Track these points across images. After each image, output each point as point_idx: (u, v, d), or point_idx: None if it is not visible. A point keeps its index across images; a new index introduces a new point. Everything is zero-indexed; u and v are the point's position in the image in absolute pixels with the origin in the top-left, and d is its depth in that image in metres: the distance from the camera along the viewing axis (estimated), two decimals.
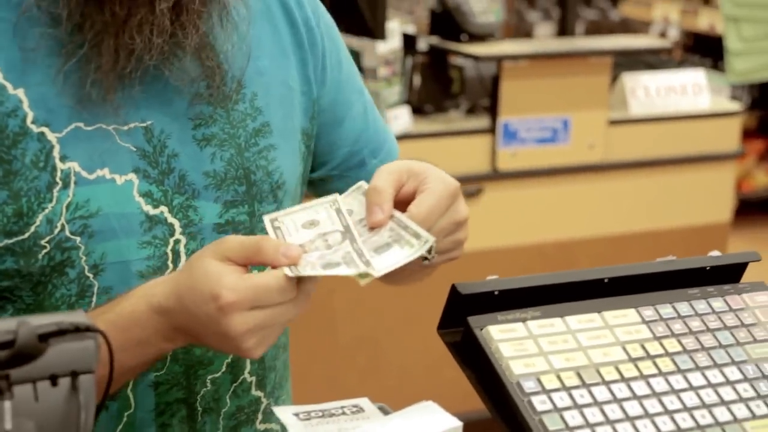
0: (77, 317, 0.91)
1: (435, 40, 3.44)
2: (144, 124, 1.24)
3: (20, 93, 1.19)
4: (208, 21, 1.25)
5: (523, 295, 1.17)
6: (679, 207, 3.70)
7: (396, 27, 3.26)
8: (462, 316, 1.14)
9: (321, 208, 1.17)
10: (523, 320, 1.14)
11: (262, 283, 1.08)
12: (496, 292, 1.15)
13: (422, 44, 3.42)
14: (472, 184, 3.36)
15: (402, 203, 1.16)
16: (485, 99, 3.47)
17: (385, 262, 1.09)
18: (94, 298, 1.22)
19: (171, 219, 1.25)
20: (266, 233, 1.14)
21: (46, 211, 1.19)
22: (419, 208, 1.14)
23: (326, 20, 1.41)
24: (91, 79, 1.19)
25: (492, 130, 3.40)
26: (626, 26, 6.57)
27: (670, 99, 3.68)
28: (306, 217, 1.16)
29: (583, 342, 1.14)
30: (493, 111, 3.39)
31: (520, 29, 6.97)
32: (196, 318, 1.10)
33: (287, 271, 1.08)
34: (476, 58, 3.32)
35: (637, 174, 3.61)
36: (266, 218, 1.16)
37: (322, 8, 1.41)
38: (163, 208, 1.25)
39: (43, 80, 1.19)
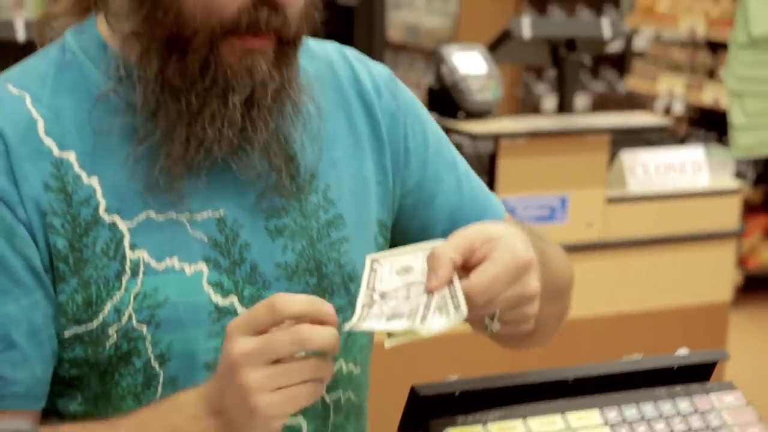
0: (20, 425, 0.90)
1: (433, 117, 3.45)
2: (218, 214, 1.25)
3: (94, 181, 1.21)
4: (279, 118, 1.25)
5: (486, 395, 1.16)
6: (680, 286, 3.68)
7: None
8: (423, 418, 1.13)
9: (420, 253, 1.16)
10: (484, 422, 1.13)
11: (274, 334, 1.09)
12: (456, 393, 1.14)
13: None
14: None
15: (472, 269, 1.14)
16: (483, 176, 3.47)
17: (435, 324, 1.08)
18: (160, 389, 1.22)
19: (240, 309, 1.24)
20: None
21: (114, 300, 1.20)
22: (480, 277, 1.12)
23: (407, 100, 1.39)
24: (160, 166, 1.20)
25: None
26: (632, 100, 6.60)
27: (669, 177, 3.68)
28: (404, 262, 1.16)
29: None
30: (490, 188, 3.38)
31: (528, 102, 7.01)
32: (220, 388, 1.11)
33: (347, 324, 1.08)
34: (473, 136, 3.33)
35: (636, 253, 3.60)
36: (368, 258, 1.17)
37: (402, 89, 1.40)
38: (233, 299, 1.24)
39: (116, 167, 1.21)
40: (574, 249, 3.50)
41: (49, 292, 1.20)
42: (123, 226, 1.21)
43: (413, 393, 1.12)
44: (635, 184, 3.63)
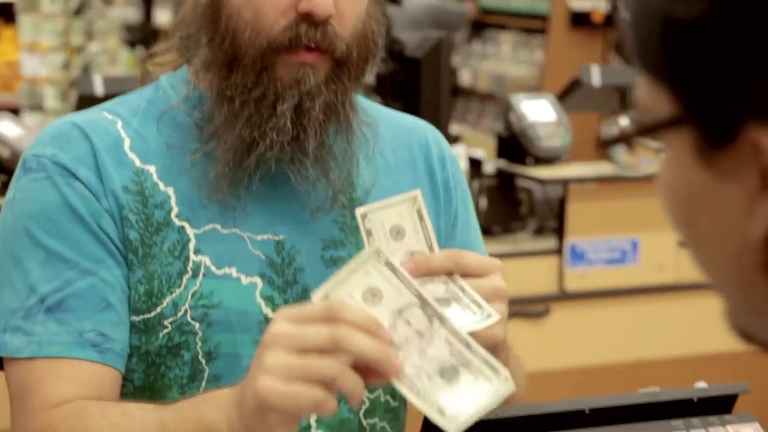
0: None
1: (502, 163, 3.51)
2: (277, 238, 1.35)
3: (170, 191, 1.34)
4: (336, 136, 1.35)
5: (503, 426, 1.20)
6: None
7: (462, 151, 3.34)
8: None
9: (404, 209, 1.21)
10: None
11: (314, 325, 1.04)
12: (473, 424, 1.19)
13: (489, 167, 3.49)
14: (539, 305, 3.38)
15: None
16: (553, 220, 3.51)
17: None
18: (204, 384, 1.32)
19: None
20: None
21: (174, 295, 1.32)
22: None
23: (463, 186, 1.49)
24: (215, 172, 1.32)
25: (559, 251, 3.43)
26: None
27: None
28: (393, 220, 1.21)
29: None
30: (560, 232, 3.43)
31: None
32: (248, 375, 1.09)
33: (396, 383, 1.04)
34: (542, 181, 3.37)
35: (709, 295, 3.57)
36: (358, 212, 1.20)
37: (461, 175, 1.50)
38: None
39: (189, 183, 1.34)
40: (646, 291, 3.51)
41: (126, 272, 1.32)
42: (190, 231, 1.33)
43: (427, 425, 1.17)
44: None
